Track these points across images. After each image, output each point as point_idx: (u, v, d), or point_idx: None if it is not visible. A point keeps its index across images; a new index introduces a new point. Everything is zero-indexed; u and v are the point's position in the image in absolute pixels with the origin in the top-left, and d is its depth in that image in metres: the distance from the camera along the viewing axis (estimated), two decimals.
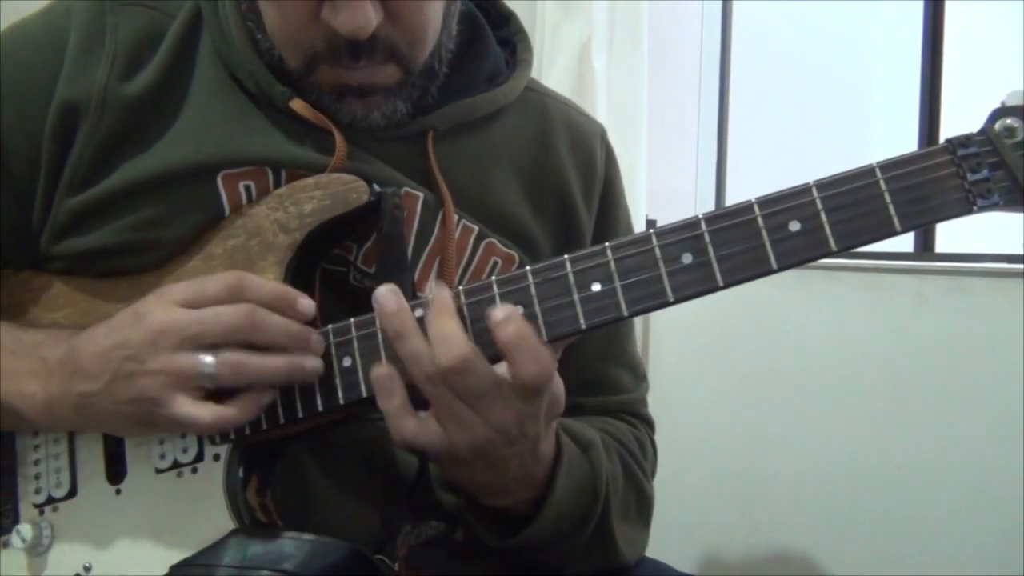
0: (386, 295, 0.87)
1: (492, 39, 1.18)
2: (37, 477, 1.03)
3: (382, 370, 0.88)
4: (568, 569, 1.07)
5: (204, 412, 0.89)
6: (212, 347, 0.89)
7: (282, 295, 0.92)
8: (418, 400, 0.88)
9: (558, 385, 0.89)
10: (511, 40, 1.21)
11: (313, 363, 0.92)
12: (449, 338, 0.84)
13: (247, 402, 0.91)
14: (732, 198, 2.79)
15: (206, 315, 0.89)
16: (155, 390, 0.89)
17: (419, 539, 0.98)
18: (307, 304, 0.93)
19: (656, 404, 1.28)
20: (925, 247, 2.38)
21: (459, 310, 0.88)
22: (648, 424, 1.25)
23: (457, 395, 0.85)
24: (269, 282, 0.93)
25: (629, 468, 1.12)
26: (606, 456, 1.07)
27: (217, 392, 0.91)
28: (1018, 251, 2.07)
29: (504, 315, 0.84)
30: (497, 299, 0.88)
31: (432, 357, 0.84)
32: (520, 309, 0.86)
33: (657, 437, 1.26)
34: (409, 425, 0.88)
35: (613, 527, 1.06)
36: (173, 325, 0.89)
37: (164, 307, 0.91)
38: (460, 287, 0.89)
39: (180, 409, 0.89)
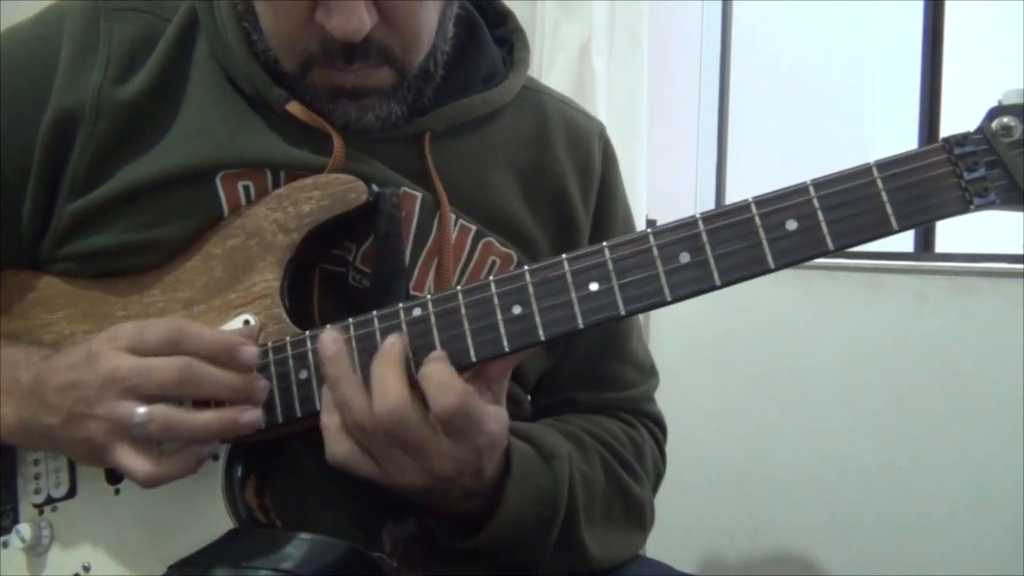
0: (326, 341, 0.89)
1: (489, 38, 1.18)
2: (36, 477, 1.03)
3: (326, 387, 0.90)
4: (540, 572, 1.06)
5: (139, 465, 0.89)
6: (151, 397, 0.89)
7: (223, 346, 0.92)
8: None
9: (495, 419, 0.89)
10: (508, 39, 1.21)
11: (249, 416, 0.92)
12: (387, 390, 0.86)
13: (185, 456, 0.91)
14: (732, 198, 2.76)
15: (143, 366, 0.89)
16: (100, 436, 0.90)
17: (403, 534, 0.98)
18: (249, 353, 0.93)
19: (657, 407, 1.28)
20: (925, 247, 2.38)
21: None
22: (653, 420, 1.25)
23: (392, 444, 0.87)
24: (210, 332, 0.93)
25: (612, 470, 1.12)
26: (583, 461, 1.07)
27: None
28: (1019, 251, 2.07)
29: (431, 356, 0.87)
30: (496, 298, 0.88)
31: (367, 406, 0.86)
32: (440, 353, 0.88)
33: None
34: (343, 447, 0.89)
35: (582, 533, 1.06)
36: (115, 373, 0.89)
37: (112, 352, 0.90)
38: (459, 287, 0.90)
39: (120, 459, 0.90)
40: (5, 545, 1.03)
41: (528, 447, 1.01)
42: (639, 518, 1.16)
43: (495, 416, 0.89)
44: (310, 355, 0.93)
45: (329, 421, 0.89)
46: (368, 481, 0.97)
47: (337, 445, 0.89)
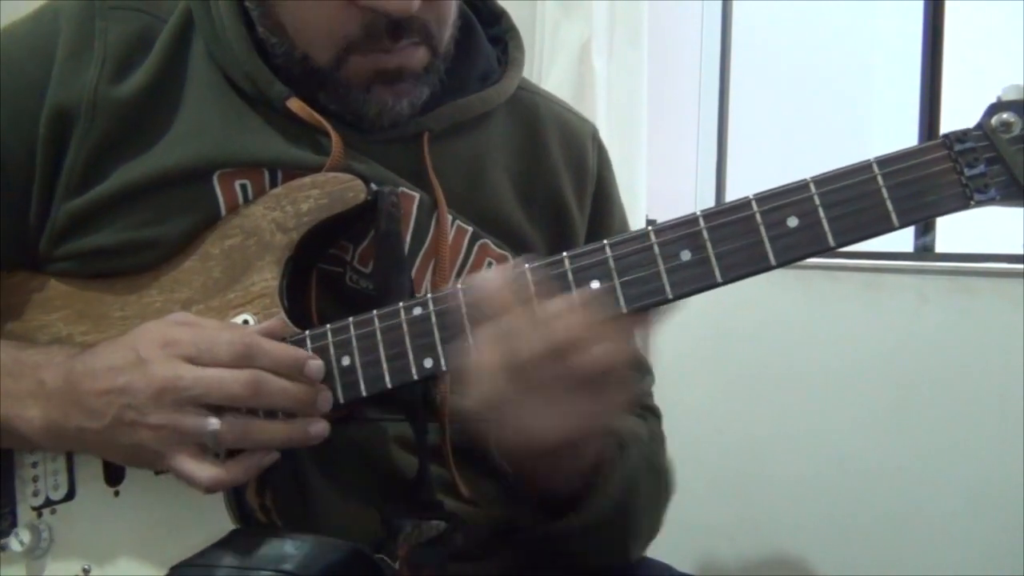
0: (492, 274, 0.88)
1: (484, 38, 1.19)
2: (35, 479, 1.03)
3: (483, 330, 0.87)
4: (586, 563, 1.07)
5: (203, 473, 0.88)
6: (217, 409, 0.89)
7: (292, 361, 0.91)
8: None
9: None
10: (502, 38, 1.21)
11: (318, 428, 0.91)
12: (566, 313, 0.83)
13: (248, 464, 0.91)
14: (732, 197, 2.78)
15: (211, 378, 0.88)
16: (156, 444, 0.89)
17: (420, 539, 0.98)
18: (316, 367, 0.92)
19: (656, 404, 1.28)
20: (925, 247, 2.37)
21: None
22: (656, 415, 1.26)
23: (560, 378, 0.84)
24: (280, 347, 0.92)
25: (652, 463, 1.14)
26: (643, 451, 1.09)
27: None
28: (1019, 251, 2.07)
29: (567, 305, 0.84)
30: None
31: (539, 335, 0.83)
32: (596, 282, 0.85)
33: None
34: (490, 387, 0.86)
35: (642, 524, 1.09)
36: (177, 383, 0.88)
37: (169, 361, 0.89)
38: (459, 285, 0.90)
39: (180, 465, 0.89)
40: (3, 548, 1.03)
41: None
42: (665, 509, 1.18)
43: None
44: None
45: (479, 359, 0.86)
46: (369, 482, 0.98)
47: (485, 383, 0.86)
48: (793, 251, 0.81)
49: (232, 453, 0.91)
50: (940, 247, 2.36)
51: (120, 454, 0.95)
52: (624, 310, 0.85)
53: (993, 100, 0.79)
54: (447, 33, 1.04)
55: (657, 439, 1.20)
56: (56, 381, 0.95)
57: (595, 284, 0.85)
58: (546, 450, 0.90)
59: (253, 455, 0.91)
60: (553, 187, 1.18)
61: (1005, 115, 0.77)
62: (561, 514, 1.00)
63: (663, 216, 2.49)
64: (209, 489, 0.90)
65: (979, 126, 0.79)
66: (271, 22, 1.02)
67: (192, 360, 0.89)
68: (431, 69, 1.04)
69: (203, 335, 0.91)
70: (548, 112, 1.22)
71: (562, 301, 0.84)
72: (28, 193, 1.04)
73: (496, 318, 0.85)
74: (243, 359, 0.89)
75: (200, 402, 0.88)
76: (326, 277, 1.04)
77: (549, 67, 2.53)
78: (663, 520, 1.17)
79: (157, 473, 0.97)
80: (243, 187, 1.02)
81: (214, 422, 0.88)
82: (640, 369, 1.25)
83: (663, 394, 1.28)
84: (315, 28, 0.99)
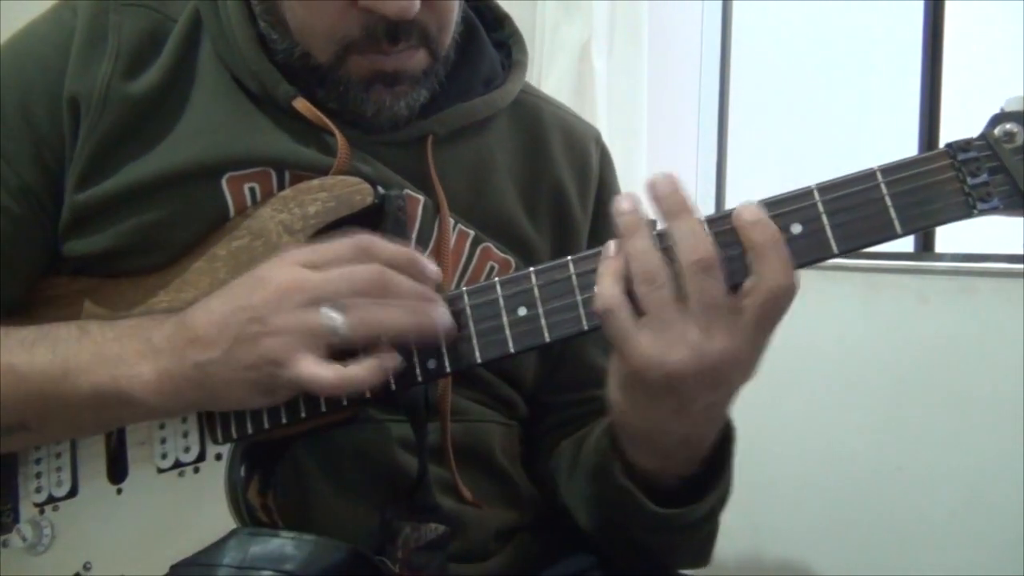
0: (625, 196, 0.86)
1: (488, 42, 1.19)
2: (38, 476, 1.04)
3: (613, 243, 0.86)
4: (673, 562, 1.08)
5: (329, 372, 0.85)
6: (341, 306, 0.86)
7: (409, 257, 0.90)
8: None
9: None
10: (506, 43, 1.21)
11: (442, 312, 0.89)
12: (696, 234, 0.81)
13: (373, 364, 0.87)
14: (732, 198, 2.79)
15: (335, 274, 0.87)
16: (279, 350, 0.86)
17: (419, 541, 0.98)
18: (435, 270, 0.91)
19: None
20: (926, 247, 2.37)
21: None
22: None
23: (685, 302, 0.81)
24: (398, 245, 0.91)
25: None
26: None
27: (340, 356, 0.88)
28: (1019, 251, 2.07)
29: (756, 216, 0.82)
30: (501, 300, 0.89)
31: (663, 257, 0.81)
32: (766, 216, 0.82)
33: None
34: (612, 295, 0.83)
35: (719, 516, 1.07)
36: (302, 284, 0.87)
37: (288, 267, 0.89)
38: (464, 288, 0.90)
39: (305, 369, 0.85)
40: (5, 544, 1.03)
41: None
42: None
43: None
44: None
45: (606, 268, 0.84)
46: (371, 483, 0.98)
47: (608, 289, 0.83)
48: (797, 258, 0.81)
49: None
50: (940, 247, 2.37)
51: (240, 385, 0.89)
52: None
53: (995, 109, 0.79)
54: (448, 37, 1.04)
55: None
56: (164, 334, 0.93)
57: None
58: (648, 387, 0.86)
59: (375, 357, 0.88)
60: (556, 191, 1.18)
61: (1008, 125, 0.77)
62: (669, 505, 0.97)
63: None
64: (336, 390, 0.87)
65: (982, 136, 0.79)
66: (273, 18, 1.03)
67: (311, 265, 0.89)
68: (430, 72, 1.05)
69: (318, 245, 0.91)
70: (551, 116, 1.22)
71: (685, 218, 0.82)
72: (63, 185, 1.04)
73: (627, 232, 0.84)
74: (362, 251, 0.89)
75: (327, 300, 0.86)
76: None
77: (549, 67, 2.53)
78: None
79: (160, 472, 0.98)
80: (251, 190, 1.02)
81: (337, 313, 0.85)
82: None
83: None
84: (315, 27, 1.00)
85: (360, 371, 0.86)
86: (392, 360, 0.88)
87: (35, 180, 1.03)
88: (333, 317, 0.85)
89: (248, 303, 0.88)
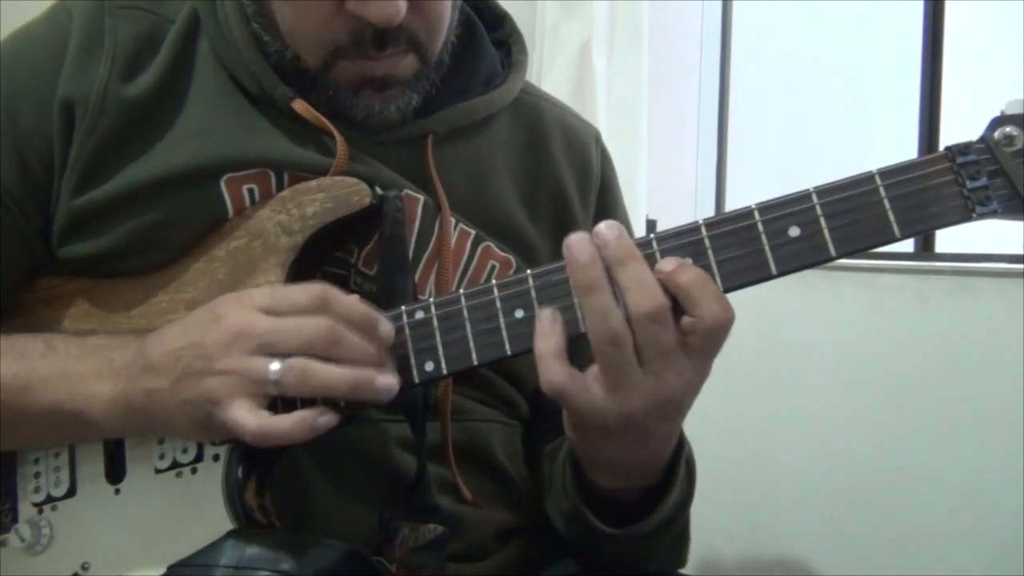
0: (579, 242, 0.83)
1: (488, 41, 1.18)
2: (36, 476, 1.03)
3: (547, 310, 0.85)
4: (645, 567, 1.07)
5: (252, 419, 0.85)
6: (286, 356, 0.86)
7: (367, 317, 0.90)
8: None
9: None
10: (506, 42, 1.21)
11: (386, 381, 0.88)
12: (647, 284, 0.81)
13: (302, 420, 0.87)
14: (732, 198, 2.79)
15: (287, 324, 0.87)
16: (218, 391, 0.86)
17: (417, 542, 0.98)
18: (388, 330, 0.91)
19: None
20: (926, 247, 2.37)
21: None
22: None
23: (638, 352, 0.82)
24: (355, 301, 0.90)
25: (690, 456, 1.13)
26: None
27: (280, 406, 0.89)
28: (1019, 251, 2.07)
29: (677, 263, 0.82)
30: (498, 302, 0.88)
31: (623, 314, 0.81)
32: (685, 259, 0.83)
33: None
34: (560, 373, 0.84)
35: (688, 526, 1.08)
36: (252, 329, 0.87)
37: (244, 310, 0.89)
38: (461, 290, 0.90)
39: (234, 413, 0.86)
40: (4, 544, 1.03)
41: None
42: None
43: None
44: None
45: (545, 347, 0.84)
46: (368, 484, 0.98)
47: (553, 368, 0.83)
48: (794, 260, 0.81)
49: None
50: (940, 247, 2.37)
51: (181, 417, 0.90)
52: None
53: (996, 110, 0.79)
54: (438, 43, 1.04)
55: None
56: (125, 357, 0.93)
57: None
58: (599, 428, 0.87)
59: (308, 412, 0.87)
60: (557, 190, 1.18)
61: (1008, 128, 0.77)
62: (628, 520, 0.98)
63: (663, 216, 2.49)
64: (254, 439, 0.87)
65: (982, 139, 0.79)
66: (265, 20, 1.03)
67: (269, 310, 0.88)
68: (421, 76, 1.04)
69: (279, 288, 0.91)
70: (551, 115, 1.22)
71: (635, 267, 0.82)
72: (50, 191, 1.04)
73: (582, 292, 0.83)
74: (320, 303, 0.88)
75: (272, 350, 0.86)
76: (330, 279, 1.03)
77: (549, 67, 2.53)
78: None
79: (158, 472, 0.98)
80: (250, 191, 1.02)
81: (276, 364, 0.85)
82: None
83: None
84: (303, 31, 1.00)
85: (285, 424, 0.87)
86: (325, 419, 0.88)
87: (14, 183, 1.03)
88: (273, 370, 0.85)
89: (201, 340, 0.88)
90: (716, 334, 0.82)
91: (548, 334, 0.84)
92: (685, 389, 0.84)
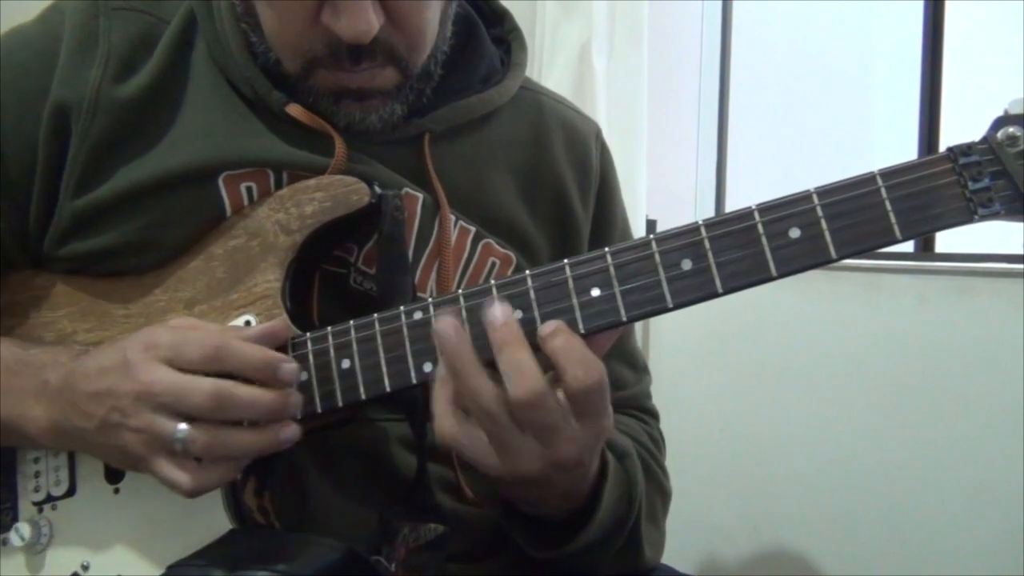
0: (447, 327, 0.83)
1: (487, 38, 1.18)
2: (36, 475, 1.03)
3: (440, 370, 0.85)
4: (594, 573, 1.07)
5: (183, 477, 0.88)
6: (190, 417, 0.88)
7: (264, 365, 0.90)
8: None
9: (610, 413, 0.87)
10: (505, 39, 1.21)
11: (288, 433, 0.90)
12: (524, 370, 0.81)
13: (221, 470, 0.90)
14: (732, 198, 2.79)
15: (179, 386, 0.87)
16: (137, 447, 0.89)
17: (418, 541, 0.98)
18: (289, 371, 0.91)
19: (656, 403, 1.28)
20: (925, 248, 2.37)
21: (458, 313, 0.87)
22: (654, 416, 1.26)
23: (521, 429, 0.83)
24: (251, 350, 0.90)
25: (649, 468, 1.13)
26: (638, 463, 1.07)
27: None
28: (1019, 251, 2.06)
29: (552, 329, 0.83)
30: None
31: (497, 391, 0.82)
32: (562, 323, 0.84)
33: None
34: (451, 426, 0.85)
35: (642, 532, 1.07)
36: (152, 387, 0.88)
37: (149, 363, 0.89)
38: (460, 291, 0.89)
39: (160, 470, 0.88)
40: (4, 543, 1.03)
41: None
42: (667, 511, 1.18)
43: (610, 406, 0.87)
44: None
45: (440, 396, 0.85)
46: (368, 484, 0.98)
47: (448, 426, 0.85)
48: (795, 262, 0.81)
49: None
50: (940, 247, 2.37)
51: (112, 456, 0.94)
52: (624, 318, 0.84)
53: (998, 111, 0.78)
54: (420, 57, 1.03)
55: (655, 442, 1.20)
56: (58, 381, 0.95)
57: (595, 292, 0.85)
58: (515, 480, 0.88)
59: (228, 462, 0.90)
60: (557, 186, 1.18)
61: (1011, 129, 0.76)
62: (561, 538, 0.98)
63: (663, 215, 2.49)
64: (189, 494, 0.89)
65: (984, 139, 0.78)
66: (252, 20, 1.02)
67: (169, 363, 0.89)
68: (403, 87, 1.03)
69: (180, 337, 0.90)
70: (552, 111, 1.22)
71: (513, 350, 0.82)
72: (29, 192, 1.04)
73: (452, 374, 0.84)
74: (212, 361, 0.89)
75: (173, 410, 0.87)
76: (330, 278, 1.04)
77: (549, 67, 2.53)
78: (665, 526, 1.18)
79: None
80: (248, 189, 1.02)
81: (183, 428, 0.87)
82: (637, 369, 1.25)
83: (663, 394, 1.28)
84: (283, 39, 0.99)
85: (213, 474, 0.89)
86: (248, 460, 0.92)
87: None
88: (180, 432, 0.87)
89: (114, 389, 0.90)
90: (586, 397, 0.82)
91: (445, 381, 0.85)
92: (582, 450, 0.85)
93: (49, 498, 1.03)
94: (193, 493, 0.89)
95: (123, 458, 0.92)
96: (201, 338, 0.90)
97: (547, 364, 0.83)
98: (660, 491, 1.15)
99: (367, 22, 0.93)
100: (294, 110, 1.01)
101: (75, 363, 0.95)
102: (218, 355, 0.89)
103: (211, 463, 0.89)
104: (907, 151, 2.38)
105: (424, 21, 1.00)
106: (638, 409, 1.23)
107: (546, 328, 0.83)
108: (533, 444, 0.84)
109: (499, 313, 0.84)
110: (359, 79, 0.99)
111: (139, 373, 0.88)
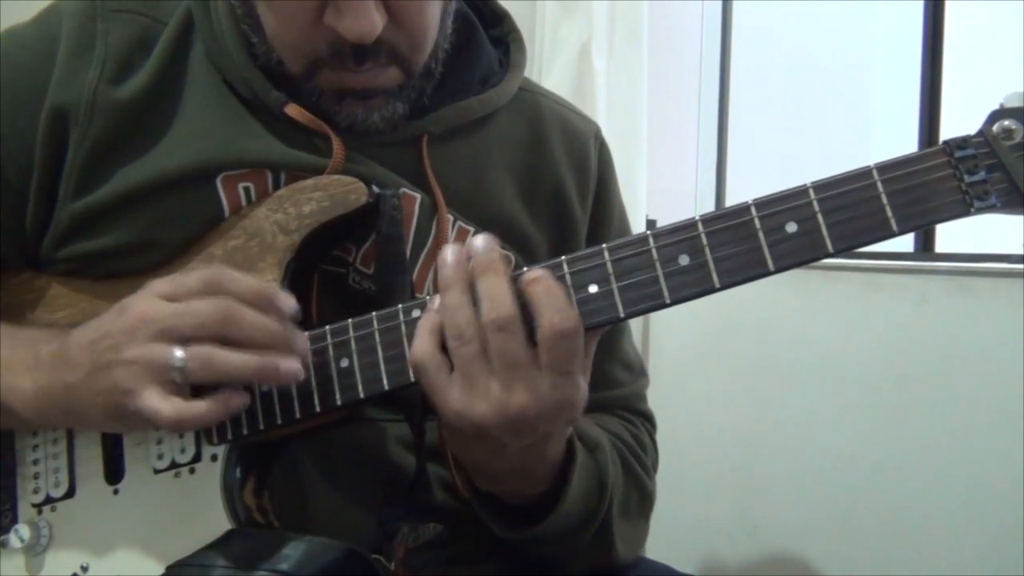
0: (449, 248, 0.85)
1: (486, 40, 1.18)
2: (36, 477, 1.03)
3: (431, 302, 0.87)
4: (563, 567, 1.07)
5: (167, 406, 0.86)
6: (187, 341, 0.87)
7: (260, 291, 0.90)
8: None
9: (581, 391, 0.86)
10: (504, 40, 1.21)
11: (288, 364, 0.89)
12: (499, 295, 0.82)
13: (216, 402, 0.89)
14: (732, 198, 2.79)
15: (181, 308, 0.88)
16: (128, 380, 0.87)
17: (417, 540, 0.98)
18: (287, 301, 0.91)
19: (655, 404, 1.28)
20: (925, 247, 2.37)
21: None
22: (646, 418, 1.26)
23: (488, 358, 0.83)
24: (248, 278, 0.91)
25: (628, 464, 1.13)
26: (610, 456, 1.07)
27: (192, 390, 0.89)
28: (1019, 251, 2.06)
29: (538, 275, 0.84)
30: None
31: (473, 313, 0.83)
32: (548, 272, 0.85)
33: (656, 437, 1.26)
34: (427, 349, 0.85)
35: (613, 527, 1.06)
36: (151, 316, 0.88)
37: (146, 299, 0.89)
38: None
39: (147, 402, 0.86)
40: (3, 545, 1.03)
41: (575, 436, 1.00)
42: (648, 512, 1.17)
43: (584, 385, 0.87)
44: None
45: (425, 321, 0.86)
46: (367, 483, 0.98)
47: (424, 348, 0.85)
48: (792, 257, 0.81)
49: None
50: (940, 247, 2.37)
51: (99, 406, 0.91)
52: (622, 315, 0.84)
53: (995, 107, 0.78)
54: (422, 56, 1.03)
55: (640, 442, 1.19)
56: (50, 349, 0.95)
57: (593, 288, 0.85)
58: (456, 429, 0.88)
59: (220, 395, 0.89)
60: (555, 186, 1.18)
61: (1007, 122, 0.76)
62: (530, 524, 0.99)
63: (663, 215, 2.50)
64: (172, 427, 0.89)
65: (980, 133, 0.78)
66: (253, 21, 1.02)
67: (167, 297, 0.89)
68: (406, 87, 1.04)
69: (177, 275, 0.92)
70: (551, 112, 1.22)
71: (490, 278, 0.84)
72: (25, 194, 1.04)
73: (442, 286, 0.85)
74: (211, 286, 0.89)
75: (173, 334, 0.87)
76: (329, 278, 1.04)
77: (549, 67, 2.53)
78: (647, 527, 1.17)
79: (156, 472, 0.97)
80: (246, 190, 1.02)
81: (179, 352, 0.86)
82: (633, 371, 1.25)
83: (663, 394, 1.28)
84: (286, 39, 1.00)
85: (201, 409, 0.88)
86: (240, 398, 0.90)
87: None
88: (177, 356, 0.86)
89: (110, 330, 0.90)
90: (558, 344, 0.82)
91: (432, 312, 0.86)
92: (538, 406, 0.84)
93: (48, 499, 1.03)
94: (175, 426, 0.89)
95: (110, 402, 0.90)
96: (198, 270, 0.91)
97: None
98: (639, 489, 1.14)
99: (370, 22, 0.93)
100: (292, 110, 1.01)
101: (69, 333, 0.95)
102: (217, 279, 0.89)
103: (200, 398, 0.88)
104: (907, 152, 2.38)
105: (426, 20, 1.00)
106: (627, 410, 1.23)
107: (532, 274, 0.84)
108: (493, 383, 0.83)
109: (481, 242, 0.85)
110: (363, 79, 1.00)
111: (136, 308, 0.89)
